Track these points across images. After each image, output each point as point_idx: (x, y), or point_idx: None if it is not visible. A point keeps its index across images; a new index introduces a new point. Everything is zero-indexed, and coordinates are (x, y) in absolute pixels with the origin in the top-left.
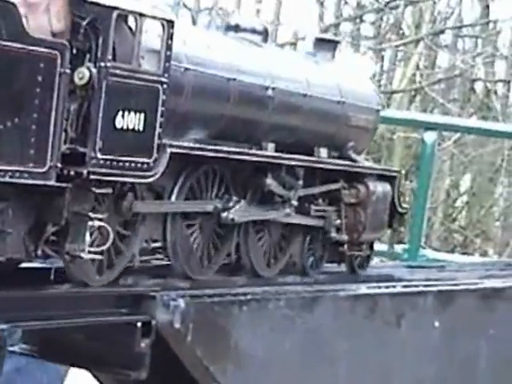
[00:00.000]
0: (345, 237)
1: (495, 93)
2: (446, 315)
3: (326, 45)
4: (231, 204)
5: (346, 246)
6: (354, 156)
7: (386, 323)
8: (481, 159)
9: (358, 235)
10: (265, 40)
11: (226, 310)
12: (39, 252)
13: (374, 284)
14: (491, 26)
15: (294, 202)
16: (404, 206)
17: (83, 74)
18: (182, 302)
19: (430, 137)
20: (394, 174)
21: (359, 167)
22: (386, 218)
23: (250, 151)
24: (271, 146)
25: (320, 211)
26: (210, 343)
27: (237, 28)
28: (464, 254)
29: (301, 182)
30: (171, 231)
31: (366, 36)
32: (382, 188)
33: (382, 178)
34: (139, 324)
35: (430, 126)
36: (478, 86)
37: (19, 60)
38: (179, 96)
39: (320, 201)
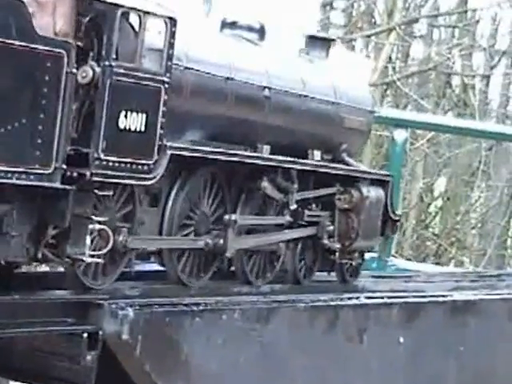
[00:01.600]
0: (337, 244)
1: (473, 88)
2: (412, 330)
3: (319, 42)
4: (221, 241)
5: (337, 254)
6: (347, 159)
7: (348, 338)
8: (456, 161)
9: (350, 243)
10: (261, 38)
11: (177, 321)
12: (39, 255)
13: (336, 295)
14: (469, 15)
15: (292, 206)
16: (397, 212)
17: (87, 72)
18: (130, 312)
19: (400, 135)
20: (387, 178)
21: (354, 171)
22: (379, 225)
23: (252, 153)
24: (266, 147)
25: (314, 217)
26: (159, 356)
27: (233, 25)
28: (437, 263)
29: (296, 186)
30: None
31: (336, 24)
32: (375, 193)
33: (374, 182)
34: (85, 335)
35: (400, 123)
36: (455, 81)
37: (27, 59)
38: (178, 96)
39: (313, 206)
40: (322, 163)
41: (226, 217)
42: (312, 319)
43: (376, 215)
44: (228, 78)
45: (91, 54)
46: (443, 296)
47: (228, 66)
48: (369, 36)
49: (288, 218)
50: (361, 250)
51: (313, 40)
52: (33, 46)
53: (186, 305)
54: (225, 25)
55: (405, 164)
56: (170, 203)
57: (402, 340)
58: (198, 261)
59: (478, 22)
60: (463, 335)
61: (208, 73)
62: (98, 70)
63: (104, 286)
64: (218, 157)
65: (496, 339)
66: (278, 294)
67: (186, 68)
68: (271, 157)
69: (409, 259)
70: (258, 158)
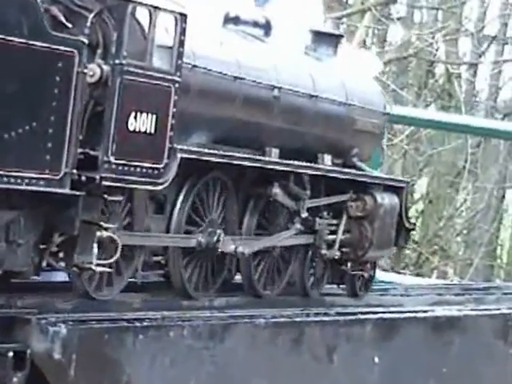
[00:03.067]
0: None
1: (458, 77)
2: (389, 349)
3: (326, 38)
4: (215, 238)
5: (349, 265)
6: (358, 164)
7: (315, 358)
8: (439, 159)
9: (363, 252)
10: (267, 34)
11: (117, 339)
12: (44, 264)
13: (301, 310)
14: None
15: (304, 214)
16: (411, 220)
17: (94, 71)
18: (63, 328)
19: None
20: (402, 184)
21: (367, 176)
22: (393, 234)
23: (264, 158)
24: (275, 151)
25: (327, 225)
26: (97, 379)
27: (236, 20)
28: (418, 274)
29: (308, 192)
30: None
31: None
32: (389, 200)
33: (388, 188)
34: (11, 354)
35: None
36: (438, 69)
37: (38, 59)
38: (185, 96)
39: (325, 213)
40: (334, 168)
41: (232, 247)
42: (274, 337)
43: (390, 223)
44: (236, 77)
45: (98, 51)
46: (423, 311)
47: (236, 65)
48: (340, 18)
49: (298, 226)
50: (374, 260)
51: (319, 36)
52: (44, 45)
53: (127, 320)
54: (228, 20)
55: (382, 162)
56: (176, 211)
57: (376, 360)
58: (204, 271)
59: (464, 3)
60: (446, 355)
61: (216, 71)
62: (106, 68)
63: (110, 297)
64: (232, 161)
65: (482, 360)
66: (235, 309)
67: (194, 66)
68: (283, 161)
69: (385, 270)
70: (270, 162)
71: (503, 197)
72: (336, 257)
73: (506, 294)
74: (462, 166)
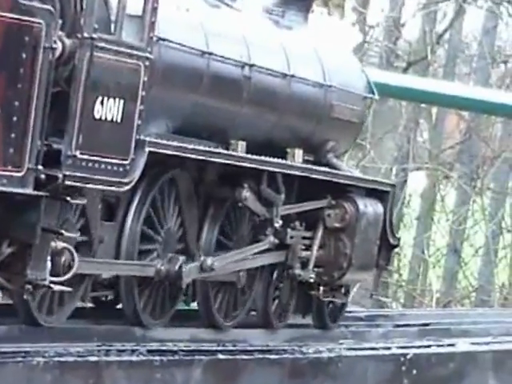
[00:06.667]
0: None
1: None
2: None
3: (294, 1)
4: (177, 267)
5: (321, 290)
6: (334, 161)
7: None
8: None
9: (340, 274)
10: None
11: None
12: None
13: (98, 345)
14: None
15: (277, 224)
16: (397, 235)
17: (55, 46)
18: None
19: None
20: (387, 188)
21: (349, 178)
22: (375, 252)
23: (236, 153)
24: (242, 144)
25: (300, 238)
26: None
27: None
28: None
29: (283, 197)
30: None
31: None
32: (372, 208)
33: (371, 193)
34: None
35: None
36: None
37: (1, 33)
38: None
39: (297, 224)
40: (312, 167)
41: (202, 259)
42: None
43: (373, 238)
44: (204, 53)
45: (59, 22)
46: (280, 351)
47: (204, 37)
48: None
49: (272, 239)
50: (351, 283)
51: None
52: (11, 15)
53: None
54: None
55: None
56: (130, 217)
57: None
58: (159, 295)
59: None
60: None
61: (185, 45)
62: (68, 42)
63: (57, 323)
64: (211, 158)
65: None
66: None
67: (160, 39)
68: (256, 157)
69: None
70: (247, 159)
71: (405, 182)
72: (311, 279)
73: (399, 325)
74: None
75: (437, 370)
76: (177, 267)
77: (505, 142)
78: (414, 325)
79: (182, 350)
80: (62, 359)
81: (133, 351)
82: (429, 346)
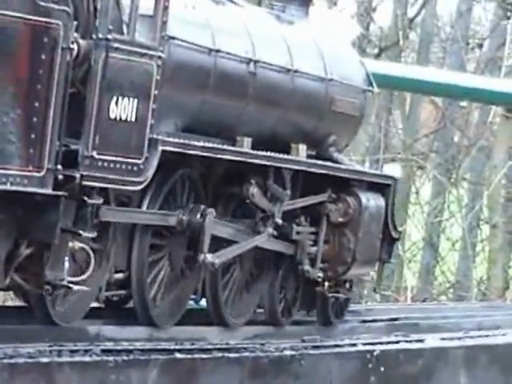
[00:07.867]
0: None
1: None
2: None
3: None
4: (198, 216)
5: (325, 285)
6: (335, 155)
7: None
8: None
9: (345, 269)
10: None
11: None
12: (7, 281)
13: (50, 346)
14: None
15: (278, 219)
16: (398, 228)
17: (73, 46)
18: None
19: None
20: (388, 181)
21: (351, 172)
22: (378, 246)
23: (245, 150)
24: (247, 141)
25: (307, 234)
26: None
27: None
28: None
29: (289, 193)
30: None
31: None
32: (375, 202)
33: (373, 187)
34: None
35: None
36: None
37: (22, 33)
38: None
39: (302, 219)
40: (317, 162)
41: (202, 256)
42: None
43: (376, 232)
44: (212, 50)
45: (74, 23)
46: (241, 349)
47: (210, 34)
48: None
49: (271, 230)
50: (356, 278)
51: None
52: (30, 17)
53: None
54: None
55: None
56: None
57: None
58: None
59: None
60: None
61: (192, 43)
62: (82, 43)
63: (74, 322)
64: (224, 156)
65: None
66: None
67: (170, 38)
68: (265, 154)
69: None
70: (252, 155)
71: None
72: (318, 275)
73: (365, 321)
74: None
75: (405, 366)
76: (198, 216)
77: (480, 130)
78: (381, 320)
79: (138, 350)
80: (11, 361)
81: (86, 351)
82: (397, 342)
